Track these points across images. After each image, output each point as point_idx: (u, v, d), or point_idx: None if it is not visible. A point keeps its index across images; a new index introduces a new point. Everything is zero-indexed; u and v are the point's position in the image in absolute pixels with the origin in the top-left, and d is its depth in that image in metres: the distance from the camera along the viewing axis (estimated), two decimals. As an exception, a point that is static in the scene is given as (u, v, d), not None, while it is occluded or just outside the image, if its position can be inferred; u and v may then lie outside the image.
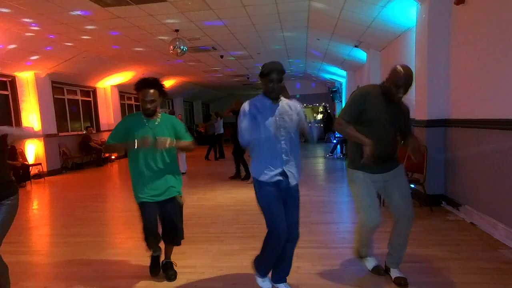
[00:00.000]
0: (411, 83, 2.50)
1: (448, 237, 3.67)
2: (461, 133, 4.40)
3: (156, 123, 2.81)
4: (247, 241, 3.76)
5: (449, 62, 4.61)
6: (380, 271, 2.89)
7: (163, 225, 2.86)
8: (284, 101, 2.53)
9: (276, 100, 2.48)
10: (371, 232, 2.77)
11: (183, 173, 8.79)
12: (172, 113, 9.44)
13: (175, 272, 3.01)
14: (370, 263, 2.96)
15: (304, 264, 3.14)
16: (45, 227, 4.89)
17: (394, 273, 2.77)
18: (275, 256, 2.53)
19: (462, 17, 4.29)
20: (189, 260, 3.35)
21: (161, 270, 3.05)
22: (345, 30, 7.45)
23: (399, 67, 2.51)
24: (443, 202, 4.76)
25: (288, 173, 2.48)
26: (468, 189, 4.25)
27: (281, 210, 2.47)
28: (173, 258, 3.18)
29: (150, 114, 2.79)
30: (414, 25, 5.39)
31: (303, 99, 18.65)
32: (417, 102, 5.12)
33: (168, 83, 15.72)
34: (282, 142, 2.45)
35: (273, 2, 5.99)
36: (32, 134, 6.55)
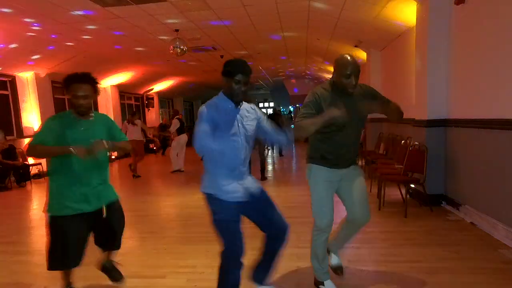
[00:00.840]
0: (359, 67, 2.39)
1: (448, 237, 3.67)
2: (461, 133, 4.40)
3: (91, 122, 2.52)
4: (247, 241, 3.73)
5: (449, 62, 4.61)
6: (338, 271, 2.88)
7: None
8: (244, 105, 2.33)
9: (238, 104, 2.26)
10: (326, 235, 2.63)
11: (181, 171, 8.79)
12: (176, 113, 9.45)
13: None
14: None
15: (304, 264, 3.14)
16: (45, 227, 4.88)
17: (334, 259, 2.92)
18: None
19: (462, 17, 4.29)
20: (189, 260, 3.35)
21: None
22: (345, 30, 7.45)
23: (340, 57, 2.42)
24: (443, 202, 4.76)
25: (246, 184, 2.33)
26: (468, 189, 4.25)
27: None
28: (173, 257, 3.19)
29: (84, 112, 2.46)
30: (414, 25, 5.39)
31: (303, 98, 18.67)
32: (417, 102, 5.12)
33: (168, 83, 15.74)
34: (242, 151, 2.26)
35: (273, 2, 5.99)
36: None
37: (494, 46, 3.67)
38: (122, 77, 12.29)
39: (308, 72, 15.81)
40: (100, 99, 12.65)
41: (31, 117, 9.23)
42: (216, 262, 3.30)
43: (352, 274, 2.95)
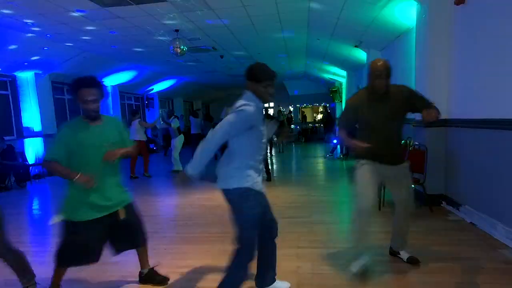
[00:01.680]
0: (388, 69, 2.67)
1: (448, 237, 3.67)
2: (461, 133, 4.40)
3: (103, 126, 2.52)
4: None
5: (449, 62, 4.61)
6: (365, 274, 2.84)
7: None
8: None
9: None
10: (365, 217, 2.83)
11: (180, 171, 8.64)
12: (171, 113, 9.31)
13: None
14: (358, 264, 2.88)
15: (304, 264, 3.14)
16: (45, 227, 4.88)
17: (404, 254, 3.06)
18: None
19: (462, 17, 4.29)
20: (189, 260, 3.35)
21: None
22: (345, 30, 7.45)
23: (372, 61, 2.78)
24: (443, 202, 4.76)
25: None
26: (468, 189, 4.25)
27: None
28: (173, 257, 3.19)
29: (95, 117, 2.47)
30: (414, 25, 5.39)
31: (303, 99, 18.68)
32: (417, 102, 5.12)
33: (168, 83, 15.73)
34: (263, 146, 2.41)
35: (273, 2, 5.99)
36: None
37: (494, 46, 3.67)
38: (122, 77, 12.29)
39: (308, 73, 15.81)
40: (100, 99, 12.65)
41: (31, 117, 9.23)
42: (216, 262, 3.31)
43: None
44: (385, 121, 2.75)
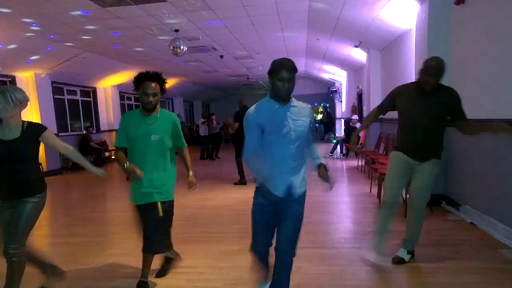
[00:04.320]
0: (441, 70, 2.77)
1: (448, 237, 3.67)
2: (461, 133, 4.39)
3: (155, 119, 2.66)
4: (247, 241, 3.73)
5: (449, 62, 4.60)
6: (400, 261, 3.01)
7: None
8: (296, 102, 2.26)
9: (285, 101, 2.19)
10: (387, 210, 3.01)
11: None
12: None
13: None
14: (376, 254, 3.05)
15: (304, 264, 3.14)
16: (45, 227, 4.88)
17: (402, 253, 3.06)
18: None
19: (462, 17, 4.29)
20: (189, 260, 3.34)
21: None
22: (345, 30, 7.45)
23: (428, 59, 2.86)
24: (443, 202, 4.76)
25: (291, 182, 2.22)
26: (468, 189, 4.25)
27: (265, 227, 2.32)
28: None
29: (151, 109, 2.63)
30: (414, 25, 5.39)
31: (303, 99, 18.65)
32: (417, 102, 5.12)
33: (168, 83, 15.71)
34: (292, 147, 2.19)
35: (273, 2, 5.99)
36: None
37: (494, 46, 3.67)
38: (122, 77, 12.29)
39: (308, 73, 15.81)
40: (100, 99, 12.66)
41: (31, 117, 9.22)
42: (216, 262, 3.31)
43: (352, 274, 2.95)
44: (422, 117, 2.84)
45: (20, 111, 2.45)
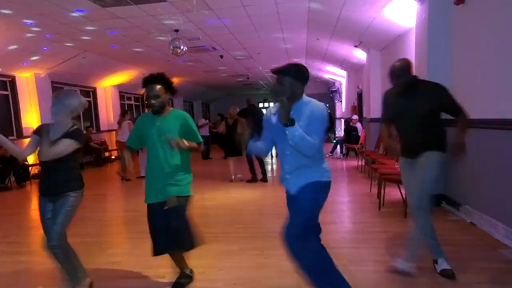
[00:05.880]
0: (393, 70, 2.82)
1: (448, 237, 3.67)
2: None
3: (164, 119, 2.70)
4: (247, 241, 3.76)
5: (449, 62, 4.61)
6: (447, 273, 2.79)
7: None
8: (304, 100, 2.31)
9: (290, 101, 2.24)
10: (419, 211, 2.81)
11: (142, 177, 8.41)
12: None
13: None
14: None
15: (304, 264, 3.14)
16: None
17: (441, 263, 2.89)
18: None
19: (461, 17, 4.29)
20: (189, 260, 3.34)
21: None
22: (345, 30, 7.45)
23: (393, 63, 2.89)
24: (443, 202, 4.76)
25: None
26: (468, 189, 4.25)
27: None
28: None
29: (157, 111, 2.68)
30: (414, 25, 5.39)
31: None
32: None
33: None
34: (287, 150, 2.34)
35: (273, 2, 5.99)
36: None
37: (494, 46, 3.67)
38: (122, 77, 12.30)
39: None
40: (100, 99, 12.66)
41: (31, 117, 9.23)
42: (216, 262, 3.31)
43: (352, 274, 2.94)
44: (406, 117, 2.86)
45: (72, 116, 2.63)
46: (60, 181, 2.61)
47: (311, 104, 2.28)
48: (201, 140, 2.81)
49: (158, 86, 2.63)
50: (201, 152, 2.89)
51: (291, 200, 2.42)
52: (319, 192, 2.34)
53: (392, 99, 2.98)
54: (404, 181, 3.06)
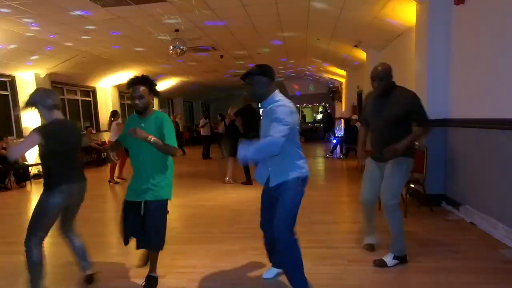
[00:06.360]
0: (376, 72, 2.95)
1: (448, 237, 3.67)
2: (461, 133, 4.40)
3: (147, 120, 2.76)
4: (247, 241, 3.76)
5: (449, 62, 4.61)
6: (370, 248, 3.31)
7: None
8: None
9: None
10: (365, 208, 3.24)
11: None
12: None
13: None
14: (366, 239, 3.38)
15: (304, 264, 3.13)
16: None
17: (386, 256, 3.05)
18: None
19: (461, 17, 4.29)
20: (189, 260, 3.35)
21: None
22: (345, 30, 7.45)
23: (375, 66, 3.00)
24: (443, 202, 4.76)
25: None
26: (468, 189, 4.25)
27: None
28: (173, 258, 3.17)
29: (140, 111, 2.74)
30: (414, 25, 5.39)
31: (303, 99, 18.66)
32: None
33: (168, 83, 15.73)
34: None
35: (273, 2, 5.99)
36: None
37: (493, 46, 3.67)
38: (122, 77, 12.30)
39: (308, 73, 15.81)
40: (100, 99, 12.66)
41: (31, 117, 9.22)
42: (216, 262, 3.31)
43: (352, 274, 2.95)
44: (378, 119, 3.02)
45: (47, 110, 2.91)
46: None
47: (278, 103, 2.46)
48: (175, 144, 2.76)
49: (142, 88, 2.68)
50: (174, 155, 2.79)
51: (269, 193, 2.59)
52: (298, 186, 2.49)
53: (369, 101, 3.13)
54: (364, 177, 3.24)
